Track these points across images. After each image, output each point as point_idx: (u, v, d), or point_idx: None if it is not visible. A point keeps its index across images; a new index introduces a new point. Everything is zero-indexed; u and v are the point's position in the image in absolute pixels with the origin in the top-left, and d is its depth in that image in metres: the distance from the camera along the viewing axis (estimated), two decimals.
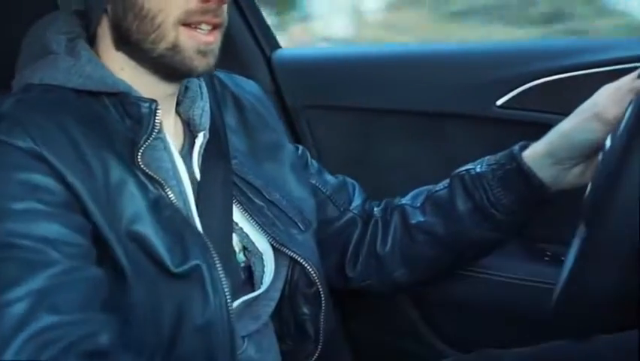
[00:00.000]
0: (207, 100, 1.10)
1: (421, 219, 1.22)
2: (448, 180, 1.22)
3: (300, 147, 1.29)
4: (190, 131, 1.08)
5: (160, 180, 0.97)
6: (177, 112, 1.09)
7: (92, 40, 1.03)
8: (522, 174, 1.13)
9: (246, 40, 1.72)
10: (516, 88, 1.43)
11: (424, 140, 1.56)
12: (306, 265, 1.11)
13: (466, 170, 1.19)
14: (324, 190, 1.25)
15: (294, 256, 1.10)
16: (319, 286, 1.13)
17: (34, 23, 1.04)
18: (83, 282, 0.88)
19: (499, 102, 1.45)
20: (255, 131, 1.18)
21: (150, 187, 0.95)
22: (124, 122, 0.98)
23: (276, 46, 1.78)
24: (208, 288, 0.96)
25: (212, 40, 0.98)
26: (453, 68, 1.55)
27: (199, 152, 1.05)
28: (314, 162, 1.30)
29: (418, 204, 1.24)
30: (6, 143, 0.89)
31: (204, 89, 1.10)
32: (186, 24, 0.96)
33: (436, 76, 1.56)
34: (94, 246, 0.92)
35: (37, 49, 1.01)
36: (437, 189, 1.23)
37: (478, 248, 1.25)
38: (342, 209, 1.26)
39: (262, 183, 1.11)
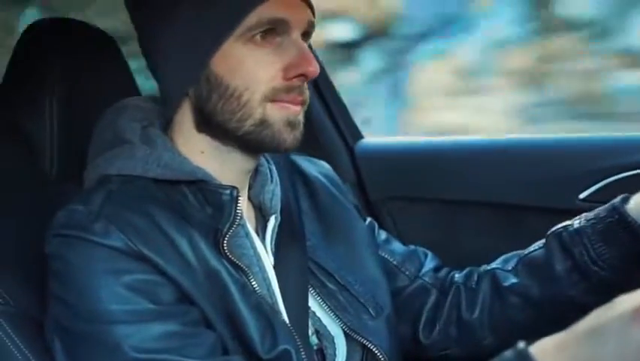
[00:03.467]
0: (278, 183, 1.08)
1: (515, 281, 1.15)
2: (542, 241, 1.14)
3: (368, 219, 1.26)
4: (262, 216, 1.07)
5: (244, 267, 0.96)
6: (248, 196, 1.07)
7: (166, 126, 1.02)
8: (626, 226, 1.03)
9: (328, 130, 1.76)
10: (599, 181, 1.41)
11: (505, 232, 1.54)
12: (377, 352, 1.07)
13: (563, 227, 1.11)
14: (392, 260, 1.21)
15: (365, 342, 1.07)
16: None
17: (105, 111, 1.04)
18: None
19: (581, 195, 1.43)
20: (326, 212, 1.16)
21: (235, 275, 0.95)
22: (204, 210, 0.96)
23: (359, 136, 1.81)
24: None
25: (299, 110, 0.97)
26: (535, 161, 1.54)
27: (271, 236, 1.04)
28: (382, 231, 1.27)
29: (510, 268, 1.17)
30: (105, 246, 0.88)
31: (274, 173, 1.09)
32: (273, 100, 0.95)
33: (518, 168, 1.55)
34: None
35: (110, 137, 1.00)
36: (530, 250, 1.16)
37: (573, 312, 1.18)
38: (412, 278, 1.21)
39: (335, 267, 1.10)
